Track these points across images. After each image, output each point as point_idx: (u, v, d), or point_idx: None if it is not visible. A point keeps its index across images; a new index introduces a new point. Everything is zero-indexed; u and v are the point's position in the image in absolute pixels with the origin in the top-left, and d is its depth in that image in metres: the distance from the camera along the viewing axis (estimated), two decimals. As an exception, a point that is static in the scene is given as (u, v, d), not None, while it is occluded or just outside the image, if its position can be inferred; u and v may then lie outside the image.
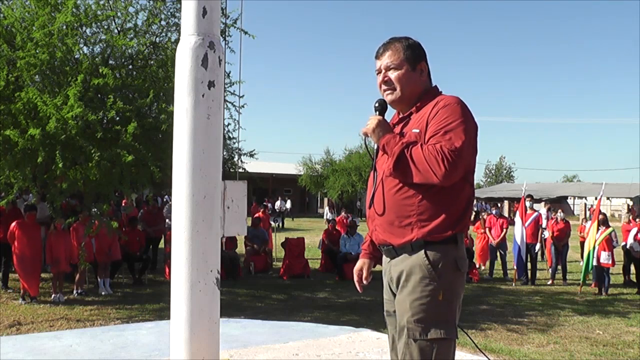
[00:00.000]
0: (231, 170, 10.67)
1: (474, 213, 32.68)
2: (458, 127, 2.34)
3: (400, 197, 2.42)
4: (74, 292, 9.27)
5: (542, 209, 15.32)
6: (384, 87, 2.58)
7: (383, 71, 2.58)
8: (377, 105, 2.59)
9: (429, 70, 2.62)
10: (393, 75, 2.54)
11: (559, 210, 13.01)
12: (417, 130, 2.42)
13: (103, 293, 9.61)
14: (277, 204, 28.07)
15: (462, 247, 2.46)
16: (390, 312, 2.59)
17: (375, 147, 2.53)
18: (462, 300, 2.51)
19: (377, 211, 2.51)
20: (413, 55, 2.55)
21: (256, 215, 15.26)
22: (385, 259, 2.58)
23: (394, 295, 2.51)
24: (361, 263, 2.78)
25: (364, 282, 2.76)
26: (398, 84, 2.54)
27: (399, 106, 2.61)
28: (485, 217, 13.76)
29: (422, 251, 2.37)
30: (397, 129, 2.54)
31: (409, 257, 2.40)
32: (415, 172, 2.32)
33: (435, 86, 2.62)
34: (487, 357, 3.73)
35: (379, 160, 2.55)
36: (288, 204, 28.81)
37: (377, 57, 2.60)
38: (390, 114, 2.68)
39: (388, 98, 2.58)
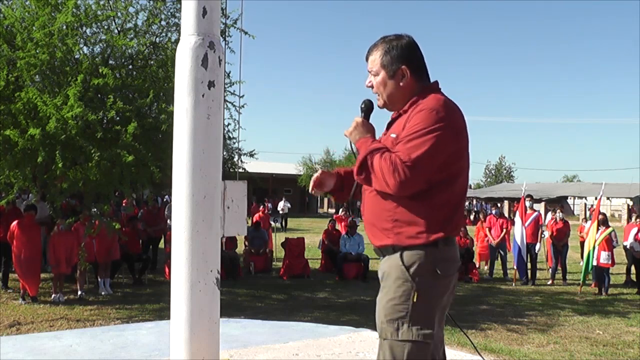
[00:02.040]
0: (231, 170, 10.67)
1: (474, 214, 32.81)
2: (422, 136, 2.26)
3: (377, 202, 2.41)
4: (78, 293, 9.26)
5: (542, 209, 15.31)
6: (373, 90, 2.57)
7: (369, 75, 2.55)
8: (362, 106, 2.56)
9: (418, 70, 2.48)
10: (375, 81, 2.51)
11: (558, 210, 13.01)
12: (395, 136, 2.38)
13: (103, 293, 9.61)
14: (281, 204, 27.91)
15: (446, 250, 2.36)
16: None
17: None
18: (445, 303, 2.41)
19: (364, 212, 2.53)
20: (390, 61, 2.45)
21: (256, 215, 15.27)
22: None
23: None
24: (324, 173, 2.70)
25: (312, 182, 2.66)
26: (378, 91, 2.50)
27: (388, 109, 2.58)
28: (481, 217, 13.76)
29: (400, 252, 2.34)
30: (389, 132, 2.51)
31: (389, 258, 2.39)
32: (374, 180, 2.30)
33: (431, 85, 2.50)
34: (482, 358, 3.71)
35: None
36: (288, 204, 28.65)
37: (365, 59, 2.57)
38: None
39: (377, 102, 2.56)
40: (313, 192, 2.70)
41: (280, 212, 26.35)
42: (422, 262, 2.31)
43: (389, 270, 2.37)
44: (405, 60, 2.45)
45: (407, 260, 2.32)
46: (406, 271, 2.31)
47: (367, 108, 2.56)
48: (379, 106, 2.55)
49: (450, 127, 2.30)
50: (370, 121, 2.55)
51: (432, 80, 2.55)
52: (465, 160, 2.42)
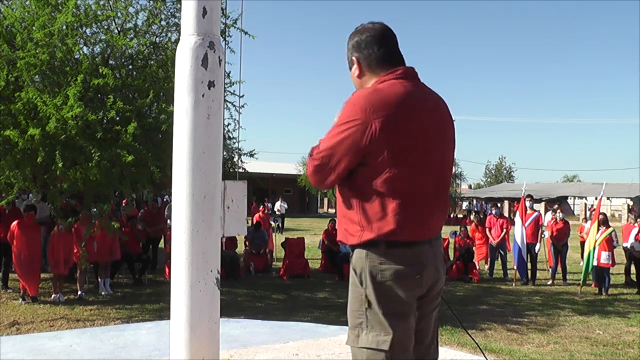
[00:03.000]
0: (231, 170, 10.67)
1: (474, 214, 32.78)
2: (333, 129, 2.21)
3: (338, 197, 2.40)
4: (78, 293, 9.26)
5: (542, 209, 15.33)
6: None
7: None
8: None
9: (372, 60, 2.35)
10: None
11: (558, 211, 13.01)
12: None
13: (103, 293, 9.61)
14: (277, 204, 27.65)
15: (391, 253, 2.21)
16: None
17: None
18: (403, 308, 2.23)
19: None
20: (347, 52, 2.43)
21: (256, 215, 15.27)
22: None
23: None
24: None
25: None
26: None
27: None
28: (474, 219, 13.78)
29: (352, 254, 2.29)
30: None
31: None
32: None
33: (385, 75, 2.31)
34: (485, 357, 3.71)
35: None
36: (285, 205, 28.26)
37: None
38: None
39: None
40: None
41: (277, 212, 25.98)
42: (364, 266, 2.23)
43: (350, 274, 2.34)
44: (355, 50, 2.39)
45: (354, 263, 2.27)
46: (355, 274, 2.27)
47: None
48: None
49: (364, 121, 2.15)
50: None
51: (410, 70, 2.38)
52: (403, 157, 2.19)
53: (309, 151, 2.31)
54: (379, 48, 2.35)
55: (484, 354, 4.67)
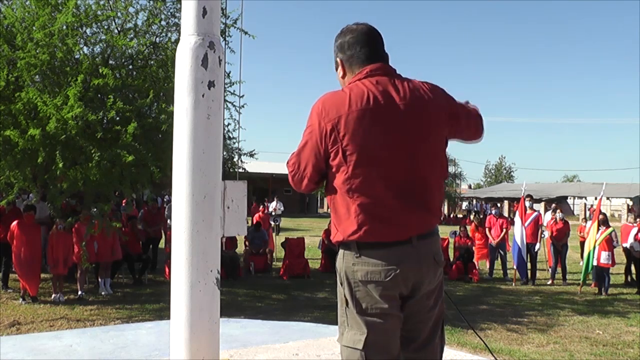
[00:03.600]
0: (231, 170, 10.67)
1: (473, 214, 32.75)
2: (303, 133, 2.31)
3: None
4: (78, 293, 9.26)
5: (542, 209, 15.33)
6: None
7: None
8: None
9: (353, 61, 2.36)
10: None
11: (558, 210, 13.01)
12: None
13: (103, 293, 9.61)
14: (272, 204, 27.21)
15: (364, 253, 2.23)
16: None
17: None
18: (377, 308, 2.25)
19: None
20: (333, 54, 2.46)
21: (256, 215, 15.26)
22: None
23: None
24: None
25: None
26: None
27: None
28: (474, 220, 13.76)
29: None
30: None
31: None
32: None
33: (356, 75, 2.33)
34: (494, 356, 3.71)
35: None
36: (281, 206, 27.62)
37: None
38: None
39: None
40: None
41: (273, 213, 25.51)
42: (341, 266, 2.35)
43: None
44: (340, 51, 2.41)
45: (336, 263, 2.39)
46: (338, 275, 2.39)
47: None
48: None
49: (319, 126, 2.21)
50: None
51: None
52: (354, 157, 2.17)
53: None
54: (360, 48, 2.35)
55: (492, 354, 4.68)
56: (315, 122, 2.23)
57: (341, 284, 2.33)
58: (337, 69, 2.44)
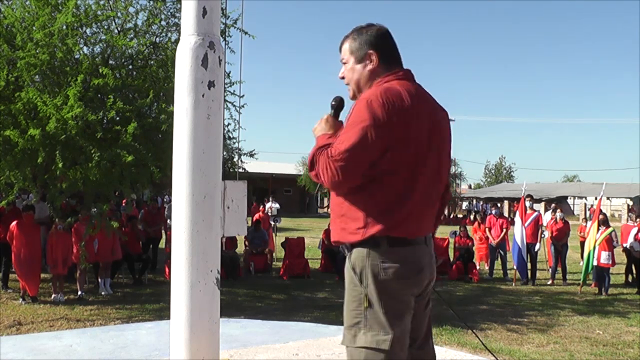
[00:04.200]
0: (231, 170, 10.67)
1: (474, 214, 32.75)
2: (352, 128, 2.18)
3: (332, 198, 2.38)
4: (78, 293, 9.26)
5: (542, 209, 15.33)
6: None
7: (342, 67, 2.50)
8: (333, 102, 2.49)
9: (386, 58, 2.40)
10: (344, 71, 2.46)
11: (558, 210, 13.00)
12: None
13: (103, 293, 9.61)
14: (268, 205, 26.85)
15: (392, 252, 2.23)
16: None
17: None
18: (405, 307, 2.26)
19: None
20: (359, 46, 2.40)
21: (256, 215, 15.26)
22: None
23: None
24: None
25: None
26: (348, 80, 2.45)
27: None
28: (478, 218, 13.75)
29: (349, 253, 2.29)
30: None
31: (346, 259, 2.35)
32: (320, 177, 2.24)
33: (390, 74, 2.37)
34: (494, 356, 3.71)
35: None
36: (276, 206, 27.18)
37: (339, 51, 2.52)
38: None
39: (348, 95, 2.50)
40: None
41: (269, 213, 25.04)
42: (365, 264, 2.23)
43: (345, 273, 2.33)
44: (373, 46, 2.39)
45: (353, 262, 2.27)
46: (354, 274, 2.26)
47: (337, 105, 2.49)
48: (350, 98, 2.49)
49: (382, 119, 2.18)
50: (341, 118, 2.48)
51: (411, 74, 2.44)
52: (412, 154, 2.24)
53: (325, 153, 2.21)
54: (394, 49, 2.44)
55: (492, 354, 4.67)
56: (376, 116, 2.17)
57: (361, 283, 2.23)
58: (361, 61, 2.40)
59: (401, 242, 2.25)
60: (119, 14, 8.78)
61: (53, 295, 8.98)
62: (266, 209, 25.97)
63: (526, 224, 12.04)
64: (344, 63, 2.46)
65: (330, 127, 2.38)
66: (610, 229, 10.90)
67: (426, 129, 2.28)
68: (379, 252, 2.23)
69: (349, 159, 2.16)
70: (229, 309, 7.72)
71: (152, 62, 9.24)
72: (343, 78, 2.48)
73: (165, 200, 21.77)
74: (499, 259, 13.03)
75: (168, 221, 11.99)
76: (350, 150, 2.16)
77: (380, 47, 2.40)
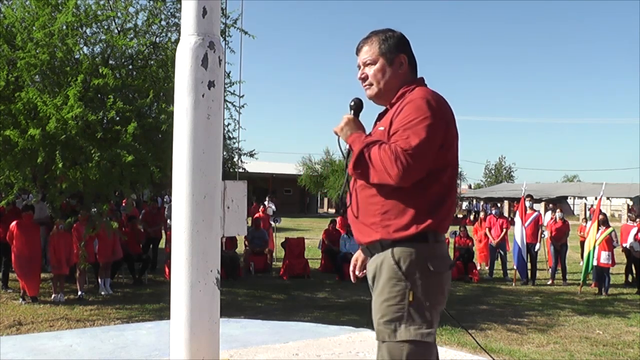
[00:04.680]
0: (231, 170, 10.67)
1: (474, 214, 32.74)
2: (418, 124, 2.26)
3: (366, 196, 2.38)
4: (78, 293, 9.26)
5: (542, 209, 15.33)
6: (362, 83, 2.55)
7: (361, 67, 2.53)
8: (352, 104, 2.53)
9: (412, 63, 2.53)
10: (370, 71, 2.49)
11: (558, 210, 13.00)
12: (382, 128, 2.39)
13: (103, 293, 9.61)
14: (265, 204, 26.44)
15: (436, 246, 2.34)
16: None
17: (347, 146, 2.47)
18: (441, 301, 2.36)
19: (352, 210, 2.48)
20: (390, 49, 2.47)
21: (256, 215, 15.26)
22: (368, 258, 2.53)
23: None
24: (358, 254, 2.67)
25: (357, 273, 2.66)
26: (374, 80, 2.49)
27: (378, 101, 2.55)
28: (481, 216, 13.74)
29: (390, 250, 2.30)
30: (377, 126, 2.50)
31: (379, 256, 2.35)
32: (373, 173, 2.28)
33: (419, 79, 2.53)
34: (491, 356, 3.71)
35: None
36: (272, 206, 26.82)
37: (357, 52, 2.56)
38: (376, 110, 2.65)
39: (367, 93, 2.53)
40: (360, 274, 2.68)
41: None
42: (413, 259, 2.28)
43: (380, 270, 2.33)
44: (404, 50, 2.52)
45: (398, 257, 2.29)
46: (398, 269, 2.28)
47: (357, 106, 2.54)
48: (369, 96, 2.54)
49: (441, 117, 2.32)
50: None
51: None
52: (454, 153, 2.41)
53: (388, 148, 2.25)
54: (412, 53, 2.56)
55: (489, 354, 4.67)
56: (437, 114, 2.31)
57: (406, 278, 2.27)
58: (392, 63, 2.48)
59: (440, 237, 2.38)
60: (119, 14, 8.78)
61: (53, 295, 8.98)
62: (265, 209, 25.79)
63: (526, 224, 12.04)
64: (370, 64, 2.50)
65: (357, 126, 2.47)
66: (610, 229, 10.90)
67: (457, 131, 2.45)
68: (427, 247, 2.31)
69: (422, 153, 2.25)
70: (229, 309, 7.72)
71: (152, 62, 9.24)
72: (363, 78, 2.53)
73: (165, 200, 21.79)
74: (499, 259, 13.03)
75: (168, 221, 11.99)
76: (422, 145, 2.24)
77: (408, 52, 2.53)
